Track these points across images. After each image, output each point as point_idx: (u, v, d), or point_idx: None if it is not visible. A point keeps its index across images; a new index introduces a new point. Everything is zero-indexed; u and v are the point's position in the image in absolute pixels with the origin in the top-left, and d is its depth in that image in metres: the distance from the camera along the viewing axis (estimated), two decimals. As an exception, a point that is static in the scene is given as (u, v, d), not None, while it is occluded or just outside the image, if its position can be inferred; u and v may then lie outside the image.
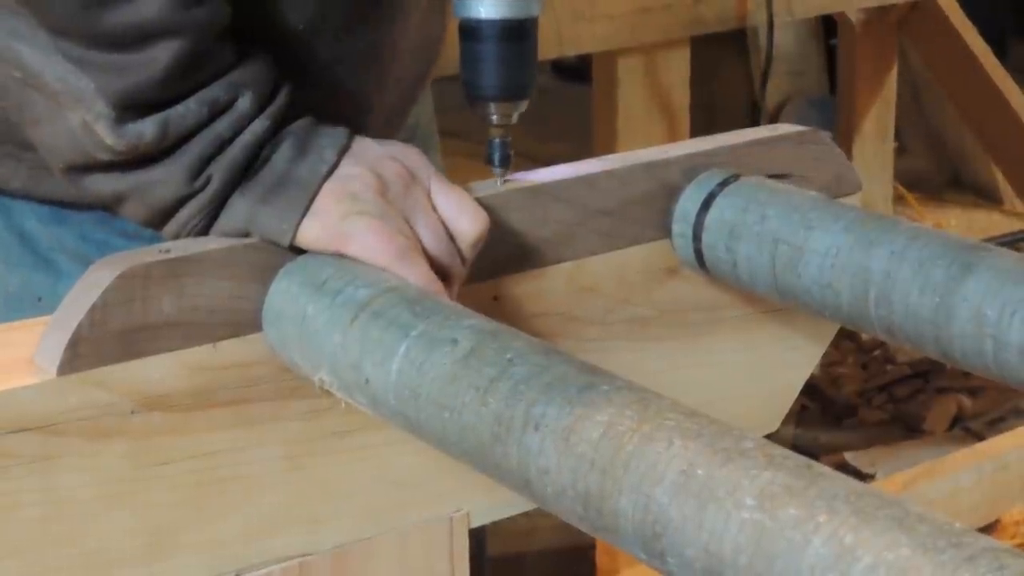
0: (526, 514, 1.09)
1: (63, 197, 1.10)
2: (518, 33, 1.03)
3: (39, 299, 1.12)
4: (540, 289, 1.07)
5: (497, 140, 1.06)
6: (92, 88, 0.94)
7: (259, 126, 0.97)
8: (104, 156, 0.96)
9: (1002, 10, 4.89)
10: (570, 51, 2.53)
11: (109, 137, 0.94)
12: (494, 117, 1.05)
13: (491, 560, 1.52)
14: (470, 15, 1.03)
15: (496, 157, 1.06)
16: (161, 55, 0.93)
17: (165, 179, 0.96)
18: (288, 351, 0.95)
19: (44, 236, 1.12)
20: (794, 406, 1.26)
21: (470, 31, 1.04)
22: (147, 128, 0.94)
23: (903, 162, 4.10)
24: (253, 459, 0.97)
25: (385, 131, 1.10)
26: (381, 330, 0.89)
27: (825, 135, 1.18)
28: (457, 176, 1.03)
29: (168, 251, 0.94)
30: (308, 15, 1.05)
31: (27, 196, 1.11)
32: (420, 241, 0.97)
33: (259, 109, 0.97)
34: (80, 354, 0.90)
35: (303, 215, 0.96)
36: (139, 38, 0.93)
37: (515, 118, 1.06)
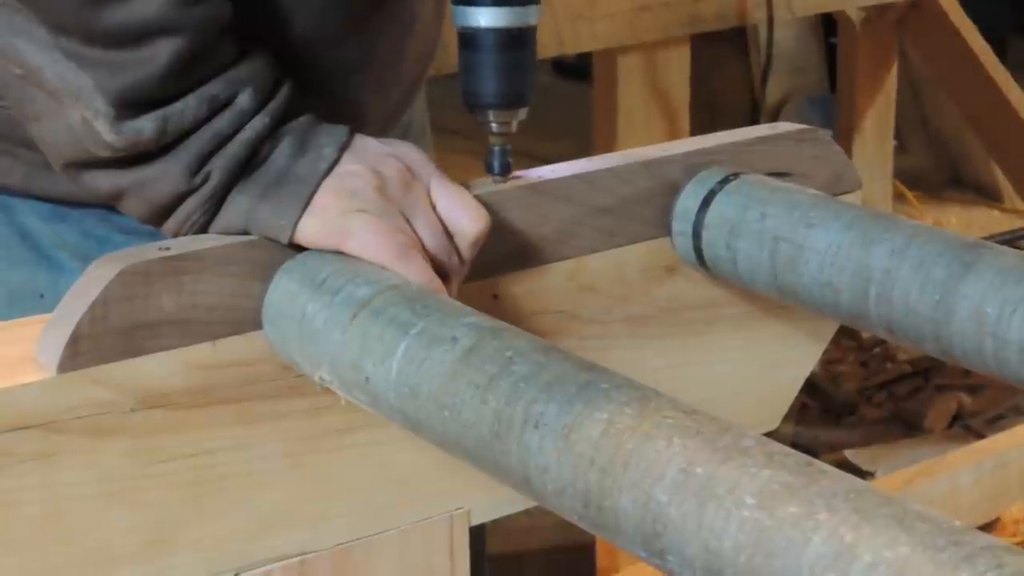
0: (526, 512, 1.09)
1: (60, 195, 1.10)
2: (517, 41, 1.03)
3: (41, 296, 1.12)
4: (540, 287, 1.07)
5: (496, 148, 1.06)
6: (91, 85, 0.94)
7: (259, 123, 0.97)
8: (104, 153, 0.96)
9: (1002, 8, 4.89)
10: (570, 50, 2.53)
11: (108, 134, 0.94)
12: (493, 125, 1.05)
13: (491, 558, 1.52)
14: (468, 24, 1.03)
15: (496, 165, 1.06)
16: (160, 53, 0.93)
17: (164, 176, 0.96)
18: (288, 349, 0.95)
19: (45, 233, 1.12)
20: (794, 404, 1.26)
21: (469, 40, 1.03)
22: (146, 125, 0.94)
23: (903, 160, 4.10)
24: (253, 457, 0.97)
25: (380, 134, 1.11)
26: (381, 328, 0.89)
27: (825, 133, 1.18)
28: (458, 175, 1.03)
29: (168, 248, 0.94)
30: (308, 22, 1.05)
31: (25, 194, 1.12)
32: (420, 239, 0.97)
33: (259, 106, 0.97)
34: (80, 352, 0.90)
35: (302, 212, 0.96)
36: (138, 36, 0.93)
37: (514, 126, 1.06)
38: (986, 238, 2.96)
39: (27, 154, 1.08)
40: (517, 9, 1.02)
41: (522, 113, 1.06)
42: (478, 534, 1.17)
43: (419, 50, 1.17)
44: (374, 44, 1.11)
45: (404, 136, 1.19)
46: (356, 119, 1.04)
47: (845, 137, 3.57)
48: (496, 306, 1.05)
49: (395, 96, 1.17)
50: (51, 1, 0.93)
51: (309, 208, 0.96)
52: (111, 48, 0.93)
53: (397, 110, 1.19)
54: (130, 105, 0.94)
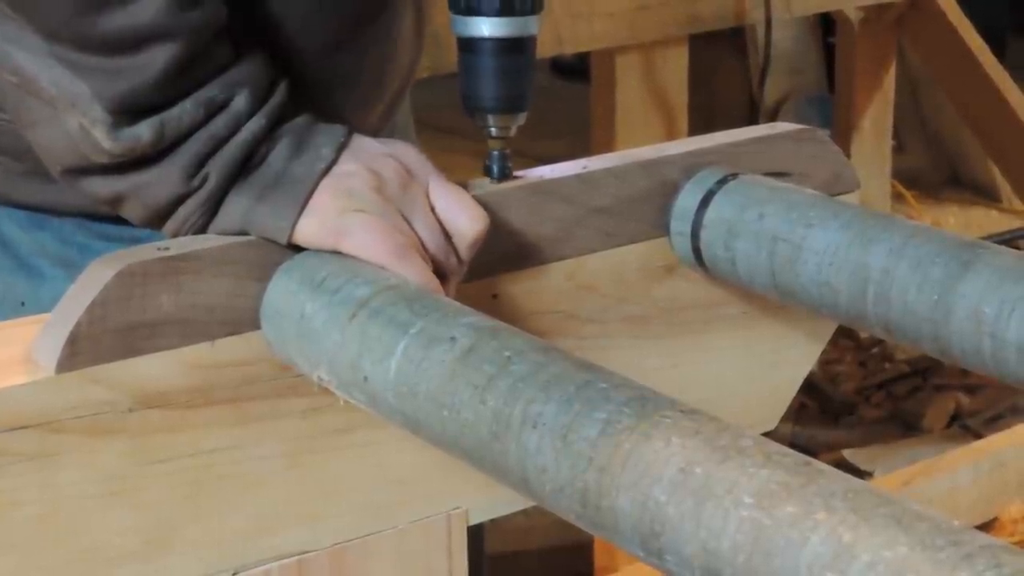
0: (524, 512, 1.09)
1: (38, 203, 1.10)
2: (517, 48, 1.04)
3: (22, 303, 1.12)
4: (539, 287, 1.07)
5: (496, 152, 1.06)
6: (88, 92, 0.94)
7: (255, 124, 0.97)
8: (101, 159, 0.96)
9: (1000, 8, 4.89)
10: (568, 49, 2.53)
11: (106, 141, 0.94)
12: (493, 129, 1.05)
13: (489, 558, 1.52)
14: (471, 34, 1.03)
15: (495, 169, 1.06)
16: (156, 59, 0.93)
17: (162, 179, 0.96)
18: (286, 349, 0.95)
19: (24, 241, 1.12)
20: (793, 404, 1.26)
21: (469, 46, 1.04)
22: (143, 131, 0.94)
23: (901, 160, 4.10)
24: (251, 457, 0.97)
25: None
26: (380, 328, 0.89)
27: (823, 133, 1.18)
28: (456, 175, 1.03)
29: (167, 249, 0.94)
30: (292, 38, 1.05)
31: (4, 201, 1.12)
32: (418, 239, 0.97)
33: (255, 107, 0.97)
34: (79, 351, 0.90)
35: (300, 212, 0.96)
36: (134, 42, 0.92)
37: (513, 130, 1.06)
38: (984, 238, 2.96)
39: (5, 161, 1.08)
40: (519, 19, 1.03)
41: (521, 118, 1.06)
42: (476, 534, 1.17)
43: (401, 67, 1.17)
44: (358, 62, 1.11)
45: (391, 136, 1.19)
46: None
47: (843, 137, 3.57)
48: (495, 306, 1.05)
49: (377, 112, 1.17)
50: (45, 9, 0.93)
51: (307, 208, 0.96)
52: (107, 55, 0.93)
53: (379, 125, 1.19)
54: (127, 111, 0.94)
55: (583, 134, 2.89)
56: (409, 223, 0.97)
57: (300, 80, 1.04)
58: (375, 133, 1.18)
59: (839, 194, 1.16)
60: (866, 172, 3.50)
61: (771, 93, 4.20)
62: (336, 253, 0.96)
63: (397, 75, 1.17)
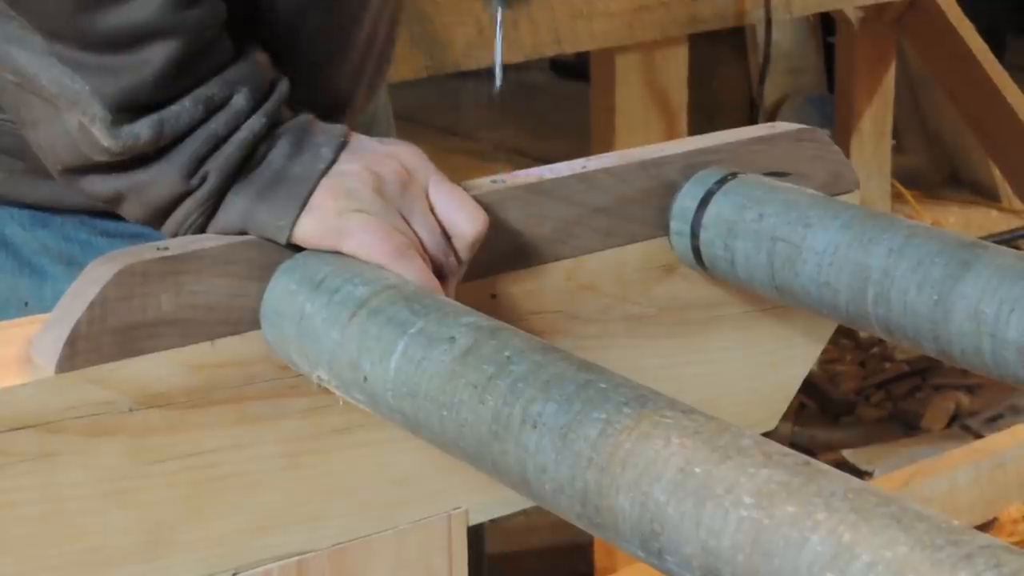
0: (524, 512, 1.09)
1: (39, 200, 1.10)
2: None
3: (25, 304, 1.12)
4: (538, 287, 1.07)
5: None
6: (87, 90, 0.94)
7: (255, 123, 0.97)
8: (101, 157, 0.96)
9: (1000, 8, 4.89)
10: (568, 49, 2.53)
11: (105, 139, 0.94)
12: None
13: (489, 558, 1.52)
14: None
15: (498, 9, 1.05)
16: (155, 56, 0.93)
17: (161, 178, 0.96)
18: (286, 349, 0.95)
19: (27, 240, 1.12)
20: (792, 404, 1.26)
21: None
22: (142, 129, 0.94)
23: (901, 160, 4.10)
24: (251, 457, 0.97)
25: (352, 121, 1.10)
26: (379, 327, 0.89)
27: (823, 133, 1.18)
28: (457, 174, 1.03)
29: (166, 248, 0.94)
30: (286, 26, 1.05)
31: (4, 200, 1.11)
32: (418, 239, 0.97)
33: (255, 106, 0.97)
34: (78, 351, 0.90)
35: (300, 212, 0.96)
36: (133, 40, 0.92)
37: None
38: (984, 238, 2.95)
39: (6, 160, 1.08)
40: None
41: None
42: (476, 534, 1.17)
43: (380, 35, 1.16)
44: (350, 30, 1.10)
45: (370, 129, 1.19)
46: (335, 107, 1.03)
47: (843, 137, 3.57)
48: (494, 306, 1.05)
49: (367, 91, 1.16)
50: (45, 8, 0.93)
51: (306, 208, 0.96)
52: (106, 53, 0.93)
53: (364, 102, 1.18)
54: (126, 109, 0.94)
55: (583, 134, 2.89)
56: (408, 223, 0.97)
57: (296, 50, 1.04)
58: (366, 103, 1.17)
59: (839, 194, 1.16)
60: (866, 172, 3.50)
61: (771, 93, 4.20)
62: (336, 253, 0.96)
63: (382, 44, 1.16)
